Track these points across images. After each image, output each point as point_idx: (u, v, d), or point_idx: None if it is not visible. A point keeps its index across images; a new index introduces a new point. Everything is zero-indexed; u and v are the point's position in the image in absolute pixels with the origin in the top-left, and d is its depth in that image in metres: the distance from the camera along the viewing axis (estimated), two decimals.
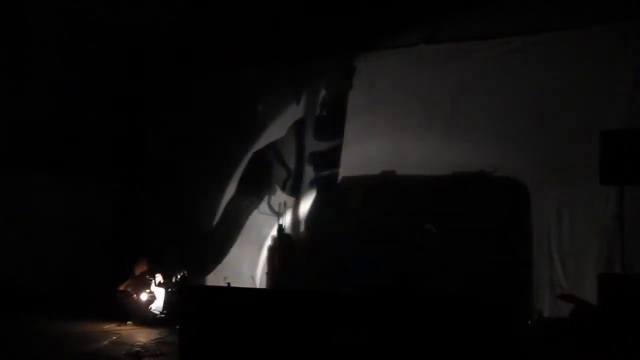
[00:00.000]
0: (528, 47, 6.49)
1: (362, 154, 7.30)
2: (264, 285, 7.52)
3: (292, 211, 7.71)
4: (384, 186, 7.01)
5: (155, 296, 6.80)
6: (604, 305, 5.32)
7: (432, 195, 6.66)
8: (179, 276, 6.98)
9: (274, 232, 7.67)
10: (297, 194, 7.71)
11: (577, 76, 6.23)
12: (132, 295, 6.92)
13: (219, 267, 7.89)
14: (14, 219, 7.22)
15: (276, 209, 7.74)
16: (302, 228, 7.65)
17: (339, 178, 7.45)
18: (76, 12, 7.72)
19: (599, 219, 6.01)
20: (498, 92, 6.59)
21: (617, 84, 6.05)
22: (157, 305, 6.76)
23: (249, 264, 7.75)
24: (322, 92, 7.69)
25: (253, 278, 7.55)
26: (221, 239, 8.01)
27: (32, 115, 7.41)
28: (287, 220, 7.68)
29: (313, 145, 7.66)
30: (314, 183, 7.59)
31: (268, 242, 7.69)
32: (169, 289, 6.79)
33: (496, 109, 6.58)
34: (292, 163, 7.80)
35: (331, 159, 7.51)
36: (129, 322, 6.57)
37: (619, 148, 5.52)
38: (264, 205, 7.88)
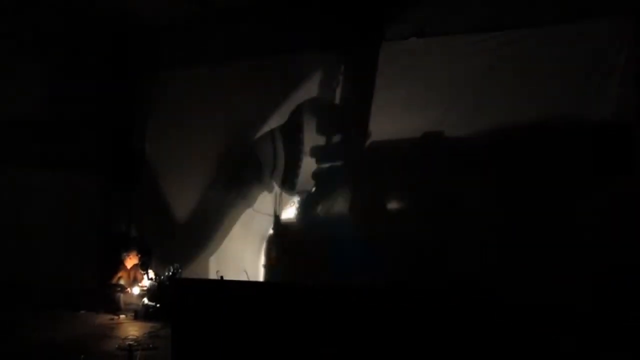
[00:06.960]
0: (517, 41, 6.48)
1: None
2: (260, 278, 7.50)
3: (289, 205, 7.61)
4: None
5: (149, 290, 6.78)
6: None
7: None
8: (171, 269, 6.95)
9: (270, 226, 7.61)
10: (294, 189, 7.59)
11: (567, 70, 6.22)
12: (125, 288, 6.91)
13: (213, 260, 7.85)
14: (3, 215, 7.17)
15: (273, 201, 7.70)
16: (299, 222, 7.54)
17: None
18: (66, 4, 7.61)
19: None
20: (487, 85, 6.59)
21: (608, 78, 6.07)
22: (150, 299, 6.74)
23: (243, 258, 7.72)
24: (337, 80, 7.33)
25: (246, 272, 7.53)
26: (211, 232, 7.94)
27: (20, 112, 7.33)
28: (284, 214, 7.60)
29: (314, 138, 7.42)
30: (315, 176, 7.50)
31: (265, 236, 7.62)
32: (162, 283, 6.78)
33: (489, 101, 6.58)
34: (290, 156, 7.57)
35: (334, 151, 7.31)
36: (122, 316, 6.55)
37: (610, 141, 5.59)
38: (259, 201, 7.82)
